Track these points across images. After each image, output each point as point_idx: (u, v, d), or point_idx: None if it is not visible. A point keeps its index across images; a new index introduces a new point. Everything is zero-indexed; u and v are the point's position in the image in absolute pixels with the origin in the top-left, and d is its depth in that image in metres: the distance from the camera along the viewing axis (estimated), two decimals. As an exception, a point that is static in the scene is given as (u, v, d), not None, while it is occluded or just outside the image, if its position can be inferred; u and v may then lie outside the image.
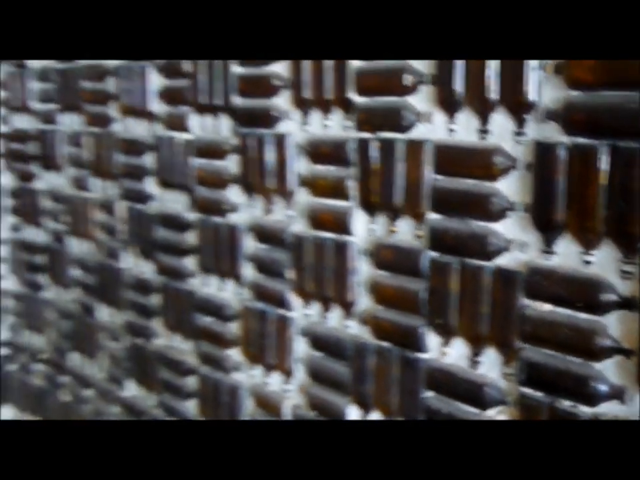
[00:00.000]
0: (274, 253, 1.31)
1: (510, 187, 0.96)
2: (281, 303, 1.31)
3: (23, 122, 2.04)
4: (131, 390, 1.74)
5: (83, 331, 1.88)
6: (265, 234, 1.33)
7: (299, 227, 1.26)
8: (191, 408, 1.56)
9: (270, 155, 1.29)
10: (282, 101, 1.27)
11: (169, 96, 1.52)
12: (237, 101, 1.35)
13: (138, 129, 1.62)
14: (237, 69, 1.34)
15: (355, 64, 1.13)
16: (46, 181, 1.97)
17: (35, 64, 1.96)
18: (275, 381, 1.35)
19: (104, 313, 1.80)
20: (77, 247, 1.88)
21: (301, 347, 1.29)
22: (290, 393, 1.32)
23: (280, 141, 1.27)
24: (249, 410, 1.41)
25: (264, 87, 1.29)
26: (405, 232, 1.09)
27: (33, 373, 2.12)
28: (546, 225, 0.93)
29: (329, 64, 1.17)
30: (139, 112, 1.61)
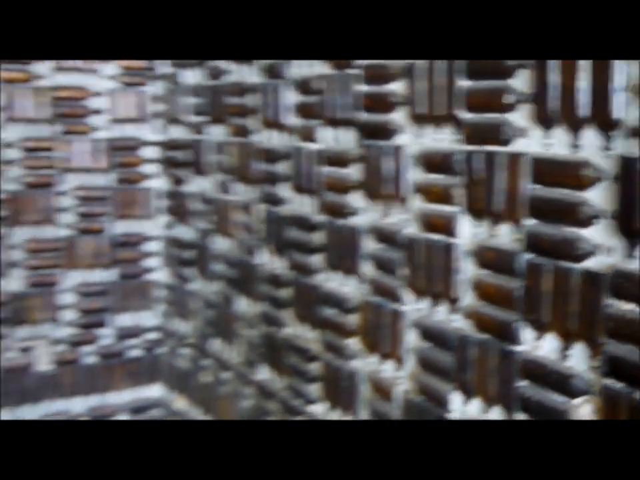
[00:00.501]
0: (389, 253, 1.46)
1: (598, 197, 1.06)
2: (395, 297, 1.45)
3: (177, 132, 2.29)
4: (264, 373, 1.94)
5: (223, 320, 2.11)
6: (382, 235, 1.48)
7: (412, 229, 1.40)
8: (314, 391, 1.73)
9: (387, 165, 1.44)
10: (399, 116, 1.42)
11: (302, 110, 1.70)
12: (361, 115, 1.51)
13: (275, 139, 1.81)
14: (361, 86, 1.50)
15: (464, 84, 1.26)
16: (196, 184, 2.21)
17: (189, 80, 2.21)
18: (388, 368, 1.50)
19: (242, 304, 2.01)
20: (220, 244, 2.10)
21: (411, 338, 1.43)
22: (401, 380, 1.46)
23: (397, 151, 1.42)
24: (364, 394, 1.56)
25: (384, 103, 1.44)
26: (505, 235, 1.21)
27: (180, 356, 2.37)
28: (630, 232, 1.02)
29: (441, 83, 1.30)
30: (276, 124, 1.80)
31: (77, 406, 2.38)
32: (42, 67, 2.24)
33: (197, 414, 2.28)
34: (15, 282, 2.26)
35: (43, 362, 2.33)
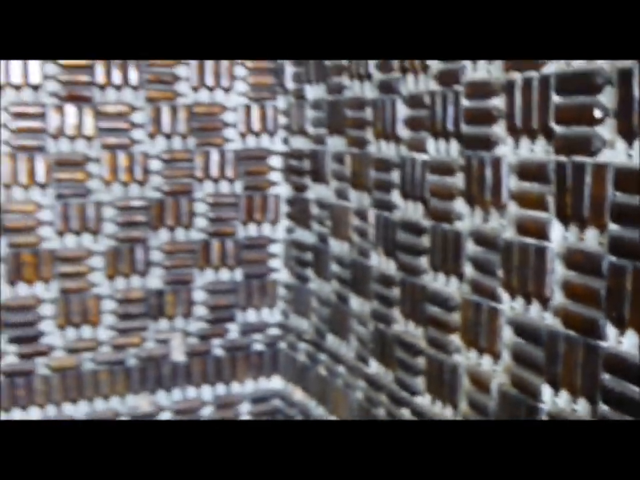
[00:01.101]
0: (488, 255, 1.58)
1: (676, 203, 1.14)
2: (493, 296, 1.57)
3: (300, 143, 2.49)
4: (374, 367, 2.09)
5: (338, 317, 2.28)
6: (482, 239, 1.60)
7: (509, 233, 1.52)
8: (419, 384, 1.86)
9: (488, 174, 1.56)
10: (499, 129, 1.54)
11: (412, 123, 1.85)
12: (464, 128, 1.64)
13: (387, 150, 1.97)
14: (465, 101, 1.63)
15: (556, 99, 1.37)
16: (315, 191, 2.40)
17: (311, 95, 2.40)
18: (486, 362, 1.61)
19: (355, 302, 2.17)
20: (336, 246, 2.27)
21: (507, 334, 1.54)
22: (497, 373, 1.57)
23: (496, 162, 1.54)
24: (464, 386, 1.68)
25: (485, 117, 1.56)
26: (591, 239, 1.30)
27: (298, 351, 2.56)
28: None
29: (536, 98, 1.41)
30: (389, 136, 1.95)
31: (206, 394, 2.61)
32: (183, 86, 2.49)
33: (312, 405, 2.45)
34: (155, 280, 2.52)
35: (177, 353, 2.57)
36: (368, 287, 2.09)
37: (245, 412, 2.68)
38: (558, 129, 1.37)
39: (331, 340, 2.33)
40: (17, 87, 2.31)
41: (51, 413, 2.44)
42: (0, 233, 2.32)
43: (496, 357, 1.58)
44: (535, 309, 1.45)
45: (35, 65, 2.31)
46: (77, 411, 2.47)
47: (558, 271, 1.39)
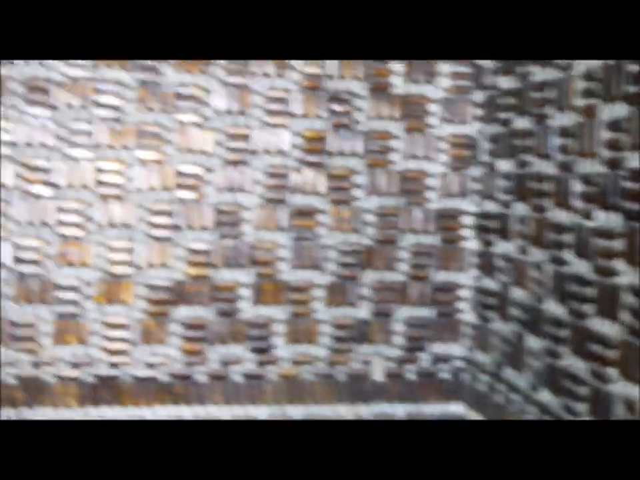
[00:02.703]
0: (641, 304, 1.99)
1: None
2: (643, 337, 1.97)
3: (490, 206, 2.98)
4: (545, 396, 2.51)
5: (515, 353, 2.71)
6: (637, 291, 2.01)
7: (657, 287, 1.92)
8: (582, 409, 2.27)
9: (643, 240, 1.98)
10: (653, 205, 1.96)
11: (584, 197, 2.30)
12: (627, 204, 2.07)
13: (562, 216, 2.42)
14: (628, 184, 2.06)
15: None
16: (501, 247, 2.87)
17: (502, 168, 2.89)
18: (637, 391, 2.01)
19: (530, 340, 2.61)
20: (516, 293, 2.72)
21: (653, 368, 1.93)
22: (644, 399, 1.97)
23: (650, 231, 1.96)
24: (619, 412, 2.08)
25: (643, 196, 1.99)
26: None
27: (479, 381, 3.01)
28: None
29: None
30: (564, 205, 2.41)
31: (398, 410, 3.12)
32: (395, 156, 3.08)
33: (489, 427, 2.89)
34: (363, 311, 3.09)
35: (378, 373, 3.11)
36: (542, 328, 2.53)
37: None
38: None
39: (509, 372, 2.77)
40: (270, 153, 3.00)
41: (276, 412, 3.05)
42: (249, 265, 3.00)
43: (644, 386, 1.97)
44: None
45: (286, 135, 2.99)
46: (295, 412, 3.06)
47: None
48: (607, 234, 2.16)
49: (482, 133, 3.07)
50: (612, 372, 2.12)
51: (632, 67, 2.04)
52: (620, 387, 2.08)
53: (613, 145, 2.14)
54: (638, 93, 2.00)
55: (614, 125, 2.14)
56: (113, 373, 2.98)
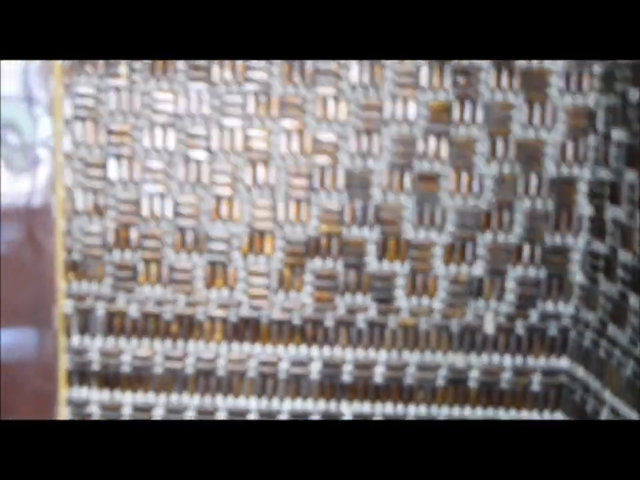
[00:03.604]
0: None
1: None
2: None
3: (602, 174, 3.18)
4: (643, 350, 2.73)
5: (619, 311, 2.93)
6: None
7: None
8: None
9: None
10: None
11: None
12: None
13: (669, 186, 2.61)
14: None
15: None
16: (611, 212, 3.07)
17: (615, 136, 3.08)
18: None
19: (633, 299, 2.82)
20: (623, 255, 2.93)
21: None
22: None
23: None
24: None
25: None
26: None
27: (585, 338, 3.25)
28: None
29: None
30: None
31: (506, 361, 3.40)
32: (516, 125, 3.31)
33: (591, 380, 3.13)
34: (478, 269, 3.38)
35: (490, 326, 3.39)
36: (645, 289, 2.74)
37: (536, 382, 3.42)
38: None
39: (611, 329, 2.99)
40: (399, 122, 3.31)
41: (393, 356, 3.40)
42: (374, 224, 3.35)
43: None
44: None
45: (413, 106, 3.29)
46: (412, 358, 3.40)
47: None
48: None
49: (599, 104, 3.25)
50: None
51: None
52: None
53: None
54: None
55: None
56: (253, 314, 3.42)
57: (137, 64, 3.23)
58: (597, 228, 3.20)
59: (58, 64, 3.21)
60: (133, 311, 3.40)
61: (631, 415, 2.71)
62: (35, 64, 3.20)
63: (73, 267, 3.38)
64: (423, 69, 3.26)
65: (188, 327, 3.40)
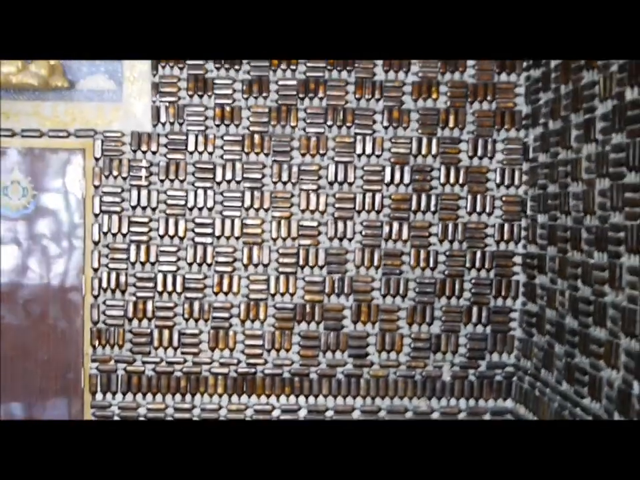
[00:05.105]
0: None
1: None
2: None
3: (532, 249, 3.95)
4: (565, 386, 3.45)
5: (546, 361, 3.67)
6: None
7: None
8: None
9: None
10: None
11: None
12: None
13: (577, 258, 3.39)
14: None
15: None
16: (539, 279, 3.83)
17: (540, 220, 3.86)
18: None
19: (557, 348, 3.56)
20: (549, 313, 3.68)
21: None
22: None
23: None
24: None
25: None
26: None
27: (524, 382, 3.96)
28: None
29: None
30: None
31: (462, 404, 4.10)
32: (462, 211, 4.10)
33: (530, 416, 3.83)
34: (436, 328, 4.10)
35: (446, 375, 4.10)
36: (564, 337, 3.48)
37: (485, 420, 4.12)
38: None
39: (543, 373, 3.72)
40: (368, 211, 4.08)
41: (367, 402, 4.08)
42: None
43: None
44: None
45: (379, 197, 4.06)
46: (383, 404, 4.08)
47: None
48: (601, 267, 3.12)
49: (527, 194, 4.05)
50: (600, 364, 3.06)
51: None
52: (607, 373, 3.02)
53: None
54: None
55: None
56: (250, 370, 4.09)
57: (154, 168, 3.98)
58: (530, 292, 3.97)
59: (90, 166, 3.96)
60: (149, 371, 4.04)
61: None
62: (70, 165, 3.94)
63: (98, 335, 4.03)
64: (387, 169, 4.05)
65: (195, 383, 4.04)
